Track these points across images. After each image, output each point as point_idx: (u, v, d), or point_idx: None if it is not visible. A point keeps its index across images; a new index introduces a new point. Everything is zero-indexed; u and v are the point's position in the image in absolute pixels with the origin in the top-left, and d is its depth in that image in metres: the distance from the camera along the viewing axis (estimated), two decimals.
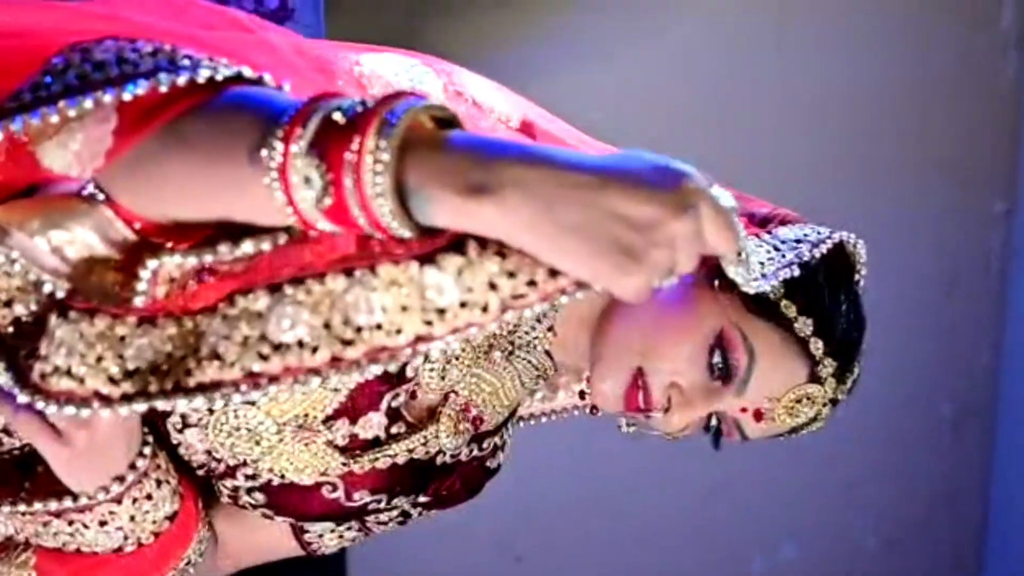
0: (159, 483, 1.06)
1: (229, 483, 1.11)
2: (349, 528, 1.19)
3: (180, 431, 1.08)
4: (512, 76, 1.23)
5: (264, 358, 0.80)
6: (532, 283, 0.75)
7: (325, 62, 0.98)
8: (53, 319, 0.83)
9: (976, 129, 2.77)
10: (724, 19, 2.58)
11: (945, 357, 2.90)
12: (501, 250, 0.75)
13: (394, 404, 1.09)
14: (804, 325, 1.06)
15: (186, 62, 0.78)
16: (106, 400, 0.83)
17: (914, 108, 2.72)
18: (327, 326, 0.79)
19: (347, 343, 0.78)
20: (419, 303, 0.76)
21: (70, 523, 1.04)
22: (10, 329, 0.88)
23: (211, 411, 1.05)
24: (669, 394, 1.08)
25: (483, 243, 0.75)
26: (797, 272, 1.04)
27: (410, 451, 1.11)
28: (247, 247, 0.79)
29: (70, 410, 0.83)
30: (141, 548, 1.07)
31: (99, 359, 0.82)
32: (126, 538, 1.05)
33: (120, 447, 1.01)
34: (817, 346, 1.07)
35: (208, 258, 0.80)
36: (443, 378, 1.09)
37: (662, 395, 1.08)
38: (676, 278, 0.75)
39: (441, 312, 0.76)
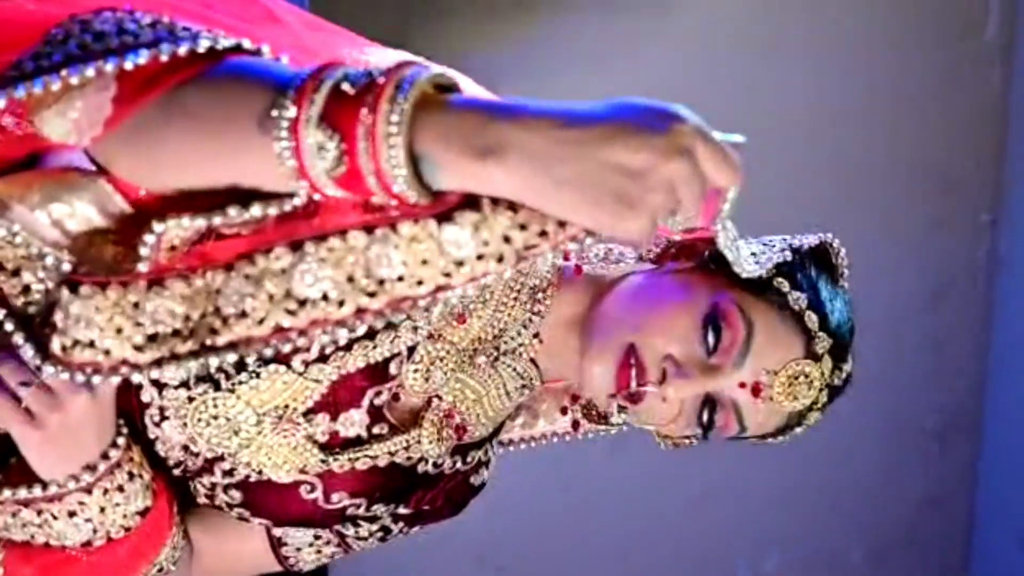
0: (131, 476, 1.04)
1: (206, 480, 1.09)
2: (328, 543, 1.17)
3: (158, 424, 1.06)
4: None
5: (291, 313, 0.81)
6: (543, 233, 0.78)
7: (332, 43, 1.00)
8: (64, 294, 0.84)
9: (962, 140, 2.77)
10: (717, 28, 2.58)
11: (931, 368, 2.90)
12: (512, 205, 0.77)
13: (376, 402, 1.07)
14: (798, 299, 1.08)
15: (185, 33, 0.79)
16: (135, 367, 0.84)
17: (900, 119, 2.73)
18: (350, 280, 0.81)
19: (371, 295, 0.80)
20: (439, 257, 0.79)
21: (39, 513, 1.02)
22: (20, 299, 0.89)
23: (191, 399, 1.04)
24: (663, 367, 1.06)
25: (495, 200, 0.77)
26: (789, 256, 1.09)
27: (391, 454, 1.10)
28: (256, 211, 0.80)
29: (97, 379, 0.85)
30: (111, 545, 1.05)
31: (119, 330, 0.84)
32: (95, 531, 1.04)
33: (92, 434, 1.00)
34: (812, 320, 1.08)
35: (217, 220, 0.81)
36: (427, 380, 1.08)
37: (656, 367, 1.06)
38: (684, 219, 0.77)
39: (459, 264, 0.79)
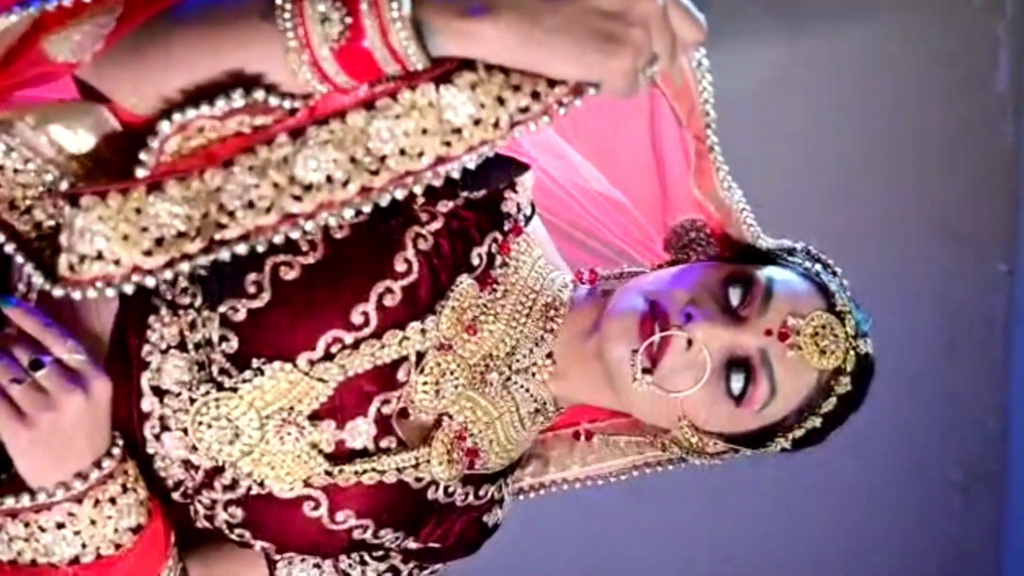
0: (125, 489, 1.02)
1: (206, 497, 1.07)
2: None
3: (158, 436, 1.05)
4: None
5: (297, 199, 0.83)
6: (535, 95, 0.82)
7: None
8: (67, 210, 0.84)
9: (976, 191, 2.78)
10: (739, 79, 2.60)
11: (951, 420, 2.88)
12: (505, 68, 0.81)
13: (384, 411, 1.06)
14: (812, 267, 1.14)
15: None
16: (147, 272, 0.84)
17: (912, 171, 2.74)
18: (353, 160, 0.83)
19: (374, 173, 0.83)
20: (437, 125, 0.82)
21: (26, 525, 1.00)
22: (33, 234, 0.89)
23: (192, 401, 1.02)
24: (688, 311, 1.07)
25: (488, 65, 0.81)
26: (789, 244, 1.18)
27: (400, 471, 1.07)
28: (259, 94, 0.82)
29: (111, 292, 0.84)
30: (102, 567, 1.02)
31: (125, 236, 0.83)
32: (84, 546, 1.01)
33: (85, 438, 0.99)
34: (829, 279, 1.13)
35: (220, 104, 0.82)
36: (437, 394, 1.07)
37: (679, 314, 1.07)
38: (659, 68, 0.83)
39: (457, 131, 0.82)
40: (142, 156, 0.84)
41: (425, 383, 1.07)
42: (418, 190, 0.84)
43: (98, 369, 1.01)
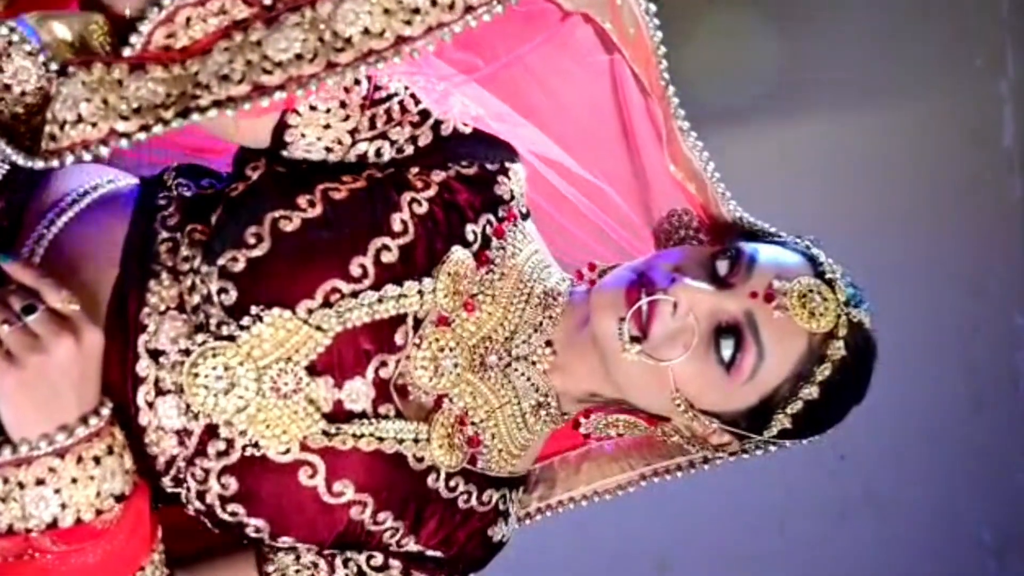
0: (111, 451, 1.00)
1: (199, 469, 1.05)
2: None
3: (151, 405, 1.04)
4: None
5: (268, 72, 0.91)
6: None
7: None
8: (55, 84, 0.90)
9: (991, 246, 2.79)
10: (760, 148, 2.63)
11: (979, 479, 2.84)
12: None
13: (382, 374, 1.07)
14: (797, 241, 1.15)
15: None
16: (123, 135, 0.90)
17: (928, 228, 2.75)
18: (320, 40, 0.91)
19: (339, 50, 0.91)
20: (397, 5, 0.91)
21: (5, 481, 0.97)
22: (20, 119, 0.92)
23: (188, 353, 1.02)
24: (673, 276, 1.09)
25: None
26: (772, 228, 1.20)
27: (399, 442, 1.07)
28: None
29: (87, 156, 0.89)
30: (80, 541, 0.99)
31: (104, 101, 0.90)
32: (64, 507, 0.98)
33: (71, 389, 0.98)
34: (817, 252, 1.13)
35: None
36: (436, 370, 1.07)
37: (665, 277, 1.09)
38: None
39: (416, 11, 0.91)
40: (131, 40, 0.92)
41: (423, 357, 1.07)
42: (380, 66, 0.92)
43: (90, 321, 1.00)
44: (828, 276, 1.11)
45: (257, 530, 1.09)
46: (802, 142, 2.68)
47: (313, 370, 1.05)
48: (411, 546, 1.12)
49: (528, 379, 1.14)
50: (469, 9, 0.92)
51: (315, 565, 1.11)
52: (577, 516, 1.31)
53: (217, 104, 0.90)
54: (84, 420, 0.99)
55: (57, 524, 0.99)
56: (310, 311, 1.04)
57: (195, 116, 0.90)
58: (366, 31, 0.91)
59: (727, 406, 1.12)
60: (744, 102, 2.58)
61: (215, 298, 1.04)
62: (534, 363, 1.14)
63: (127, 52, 0.92)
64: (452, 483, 1.12)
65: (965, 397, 2.81)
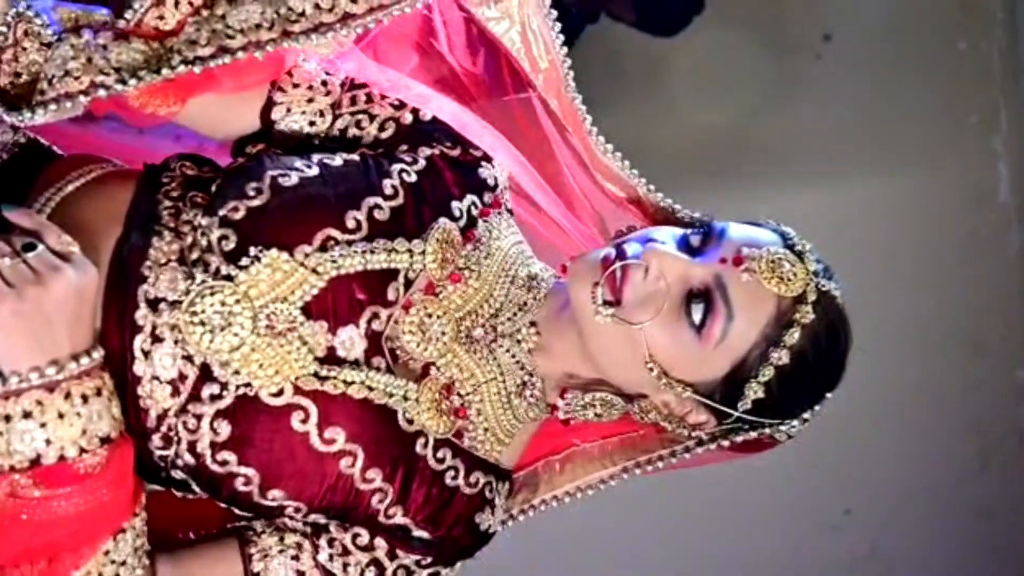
0: (99, 393, 1.02)
1: (191, 416, 1.06)
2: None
3: (147, 354, 1.06)
4: None
5: (231, 37, 1.06)
6: None
7: None
8: (49, 50, 1.05)
9: (990, 301, 2.80)
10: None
11: (986, 537, 2.83)
12: None
13: (375, 327, 1.10)
14: (768, 222, 1.18)
15: None
16: (102, 87, 1.03)
17: (928, 284, 2.76)
18: (277, 13, 1.07)
19: (293, 22, 1.07)
20: None
21: None
22: (9, 86, 1.06)
23: (188, 292, 1.05)
24: (645, 243, 1.13)
25: None
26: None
27: (389, 395, 1.10)
28: None
29: (68, 104, 1.02)
30: (62, 470, 0.99)
31: (89, 59, 1.04)
32: (48, 442, 0.99)
33: (65, 325, 1.00)
34: (787, 230, 1.16)
35: None
36: (424, 334, 1.11)
37: (638, 246, 1.13)
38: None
39: None
40: (126, 14, 1.07)
41: (411, 322, 1.11)
42: (330, 36, 1.06)
43: (89, 262, 1.03)
44: (798, 249, 1.14)
45: (247, 482, 1.08)
46: (801, 204, 2.70)
47: (308, 312, 1.08)
48: (398, 518, 1.12)
49: (513, 356, 1.16)
50: None
51: (299, 546, 1.11)
52: None
53: (185, 62, 1.05)
54: (75, 358, 1.01)
55: (40, 461, 0.99)
56: (306, 255, 1.08)
57: (165, 71, 1.04)
58: (317, 6, 1.07)
59: (700, 374, 1.13)
60: (742, 170, 2.61)
61: (215, 247, 1.08)
62: (519, 342, 1.17)
63: (120, 24, 1.06)
64: (440, 454, 1.13)
65: (971, 454, 2.80)
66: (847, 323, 1.16)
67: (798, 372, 1.13)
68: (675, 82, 2.71)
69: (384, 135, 1.20)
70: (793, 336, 1.11)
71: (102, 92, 1.03)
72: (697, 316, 1.10)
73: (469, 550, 1.17)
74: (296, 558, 1.11)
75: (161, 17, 1.07)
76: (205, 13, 1.07)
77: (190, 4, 1.08)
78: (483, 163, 1.21)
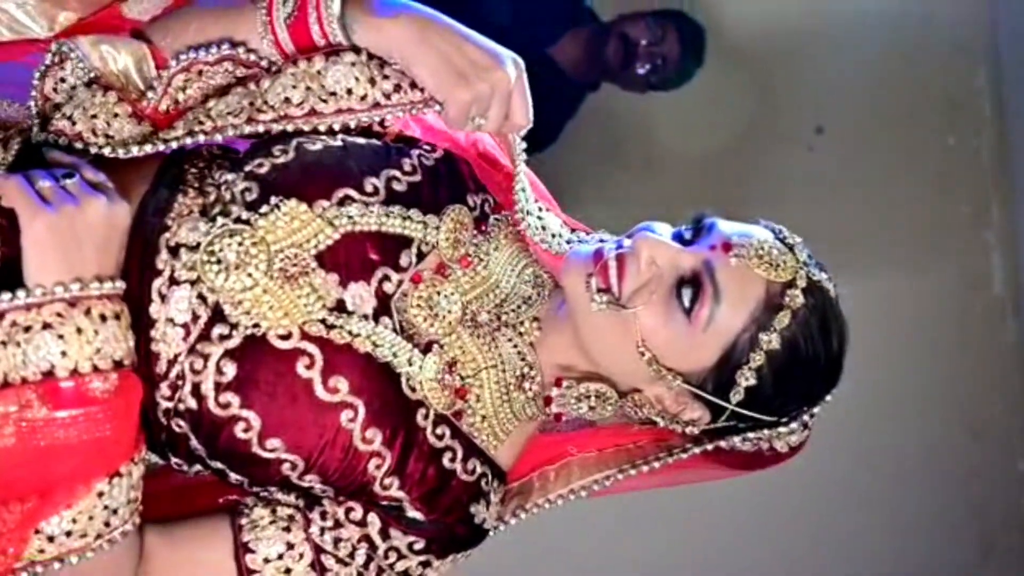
0: (118, 317, 1.05)
1: (199, 356, 1.08)
2: (300, 557, 1.10)
3: (164, 298, 1.09)
4: None
5: (261, 111, 1.13)
6: (398, 88, 1.14)
7: None
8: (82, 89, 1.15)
9: (988, 390, 2.80)
10: None
11: None
12: (383, 62, 1.14)
13: (386, 288, 1.13)
14: (759, 221, 1.19)
15: None
16: (99, 145, 1.11)
17: (928, 376, 2.78)
18: (308, 89, 1.14)
19: (324, 101, 1.14)
20: (320, 88, 1.14)
21: (12, 325, 1.01)
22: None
23: (207, 234, 1.09)
24: (636, 238, 1.15)
25: (370, 55, 1.14)
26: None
27: (394, 355, 1.12)
28: (239, 49, 1.15)
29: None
30: (73, 388, 1.00)
31: (93, 116, 1.12)
32: (64, 354, 1.01)
33: (93, 247, 1.04)
34: (779, 227, 1.18)
35: (213, 51, 1.15)
36: (431, 309, 1.14)
37: (630, 243, 1.15)
38: (481, 126, 1.14)
39: (333, 94, 1.14)
40: (154, 83, 1.15)
41: (419, 296, 1.14)
42: (290, 128, 1.13)
43: (120, 198, 1.08)
44: (789, 242, 1.17)
45: (247, 427, 1.09)
46: None
47: (321, 263, 1.11)
48: (394, 490, 1.12)
49: (515, 346, 1.18)
50: (375, 106, 1.14)
51: (291, 518, 1.12)
52: None
53: (216, 130, 1.13)
54: (99, 280, 1.04)
55: (53, 373, 1.01)
56: (324, 208, 1.13)
57: (187, 140, 1.12)
58: (287, 100, 1.14)
59: (692, 361, 1.14)
60: None
61: (238, 198, 1.12)
62: (521, 334, 1.19)
63: (150, 94, 1.15)
64: (439, 430, 1.14)
65: (974, 542, 2.77)
66: (841, 318, 1.17)
67: (790, 360, 1.14)
68: (668, 172, 2.78)
69: (407, 132, 1.25)
70: (783, 320, 1.13)
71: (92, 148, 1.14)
72: (687, 300, 1.13)
73: (462, 542, 1.16)
74: (287, 529, 1.12)
75: (189, 80, 1.15)
76: (240, 89, 1.15)
77: (210, 70, 1.16)
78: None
